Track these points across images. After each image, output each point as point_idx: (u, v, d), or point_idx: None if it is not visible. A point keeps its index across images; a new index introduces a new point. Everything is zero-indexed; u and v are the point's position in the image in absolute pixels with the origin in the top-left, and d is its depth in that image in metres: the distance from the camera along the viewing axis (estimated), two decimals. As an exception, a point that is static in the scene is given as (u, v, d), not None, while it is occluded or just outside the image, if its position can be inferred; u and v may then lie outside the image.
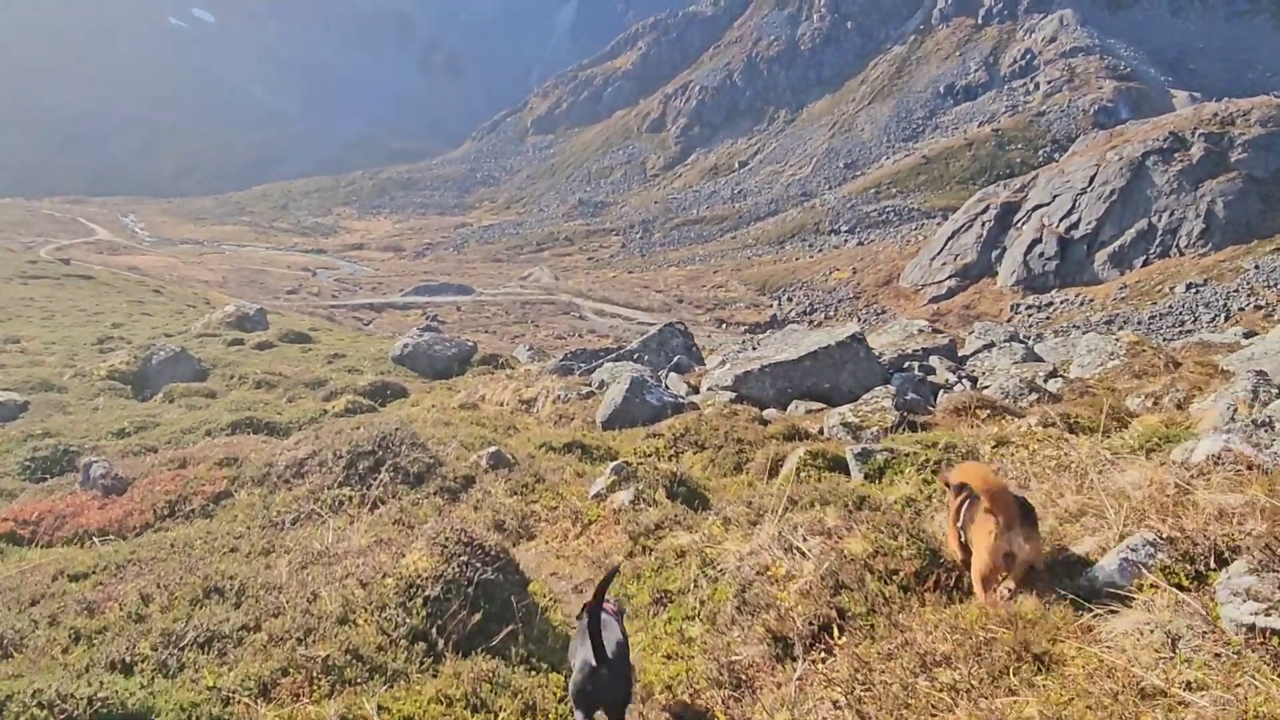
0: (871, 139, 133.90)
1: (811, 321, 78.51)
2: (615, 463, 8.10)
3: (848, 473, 7.19)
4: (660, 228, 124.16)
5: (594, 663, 4.07)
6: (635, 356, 16.07)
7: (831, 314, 78.53)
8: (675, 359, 15.56)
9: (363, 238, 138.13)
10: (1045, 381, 9.98)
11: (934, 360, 12.38)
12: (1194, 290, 60.80)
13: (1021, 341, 13.83)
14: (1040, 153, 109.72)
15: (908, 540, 4.89)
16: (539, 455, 9.84)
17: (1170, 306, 59.65)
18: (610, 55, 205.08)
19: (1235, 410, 6.14)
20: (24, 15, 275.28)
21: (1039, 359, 12.28)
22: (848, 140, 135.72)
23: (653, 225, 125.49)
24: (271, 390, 15.53)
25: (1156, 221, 68.82)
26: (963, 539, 4.42)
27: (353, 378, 15.81)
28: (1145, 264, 67.39)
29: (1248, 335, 13.10)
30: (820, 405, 10.56)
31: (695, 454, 8.97)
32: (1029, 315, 65.88)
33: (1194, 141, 71.67)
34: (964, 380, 11.05)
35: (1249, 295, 57.99)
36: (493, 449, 9.34)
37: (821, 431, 8.81)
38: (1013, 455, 6.08)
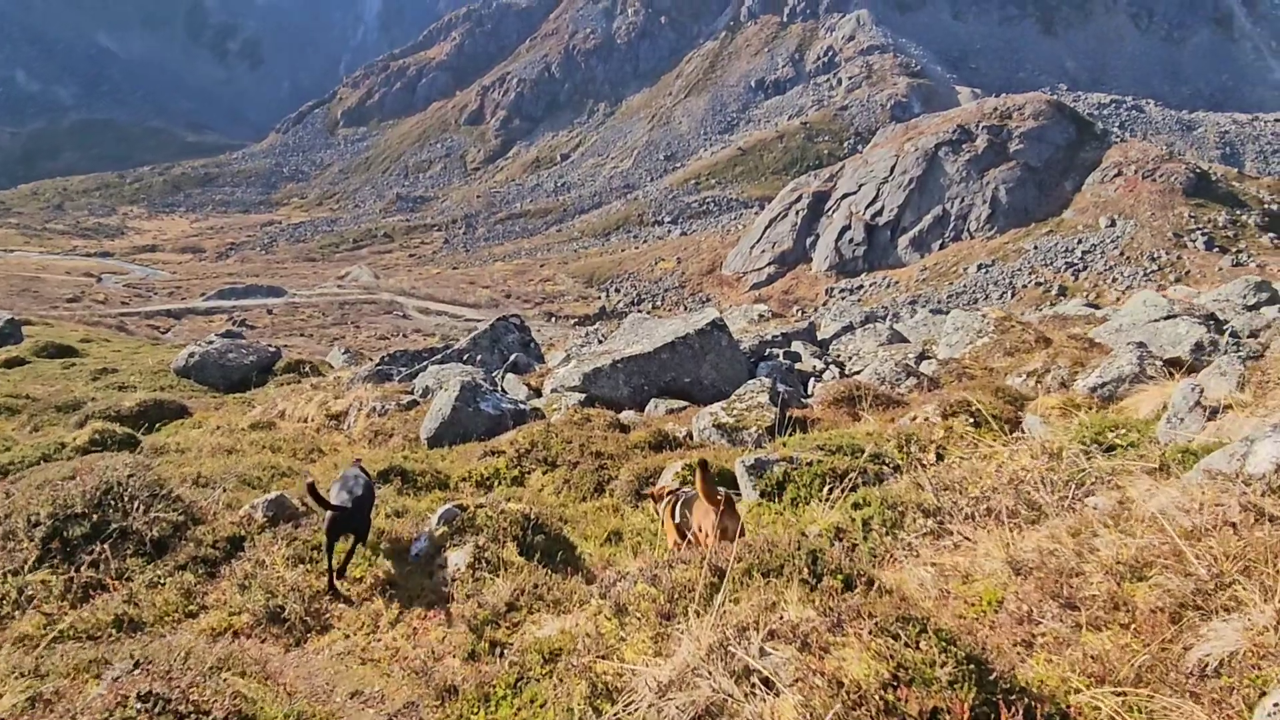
0: (689, 132, 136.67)
1: (640, 311, 78.91)
2: (445, 508, 6.14)
3: (735, 489, 6.00)
4: (484, 222, 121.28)
5: (347, 505, 5.70)
6: (465, 357, 13.99)
7: (659, 304, 79.24)
8: (512, 358, 13.76)
9: (155, 239, 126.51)
10: (918, 364, 9.44)
11: (797, 346, 11.55)
12: (984, 270, 65.78)
13: (881, 320, 13.32)
14: (845, 144, 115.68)
15: (939, 649, 2.93)
16: None
17: (965, 286, 64.29)
18: (423, 45, 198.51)
19: (1201, 393, 5.51)
20: None
21: (904, 339, 11.72)
22: (667, 133, 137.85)
23: (476, 220, 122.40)
24: (14, 418, 12.77)
25: (950, 208, 73.96)
26: (679, 526, 5.39)
27: (121, 396, 13.14)
28: (942, 247, 72.28)
29: (1090, 306, 13.31)
30: (683, 403, 9.55)
31: (546, 474, 7.50)
32: (842, 298, 68.97)
33: (978, 134, 77.56)
34: (831, 366, 10.39)
35: (1030, 274, 63.43)
36: (271, 496, 6.62)
37: (691, 436, 7.79)
38: (958, 467, 4.78)
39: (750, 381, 8.59)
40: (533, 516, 5.97)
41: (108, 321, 63.29)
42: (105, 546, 5.83)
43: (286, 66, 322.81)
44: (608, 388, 10.27)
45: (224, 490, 7.28)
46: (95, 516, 6.05)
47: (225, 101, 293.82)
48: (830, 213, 78.72)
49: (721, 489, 5.13)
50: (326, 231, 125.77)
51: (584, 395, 10.28)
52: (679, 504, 5.51)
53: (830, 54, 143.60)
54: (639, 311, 79.51)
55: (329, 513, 5.63)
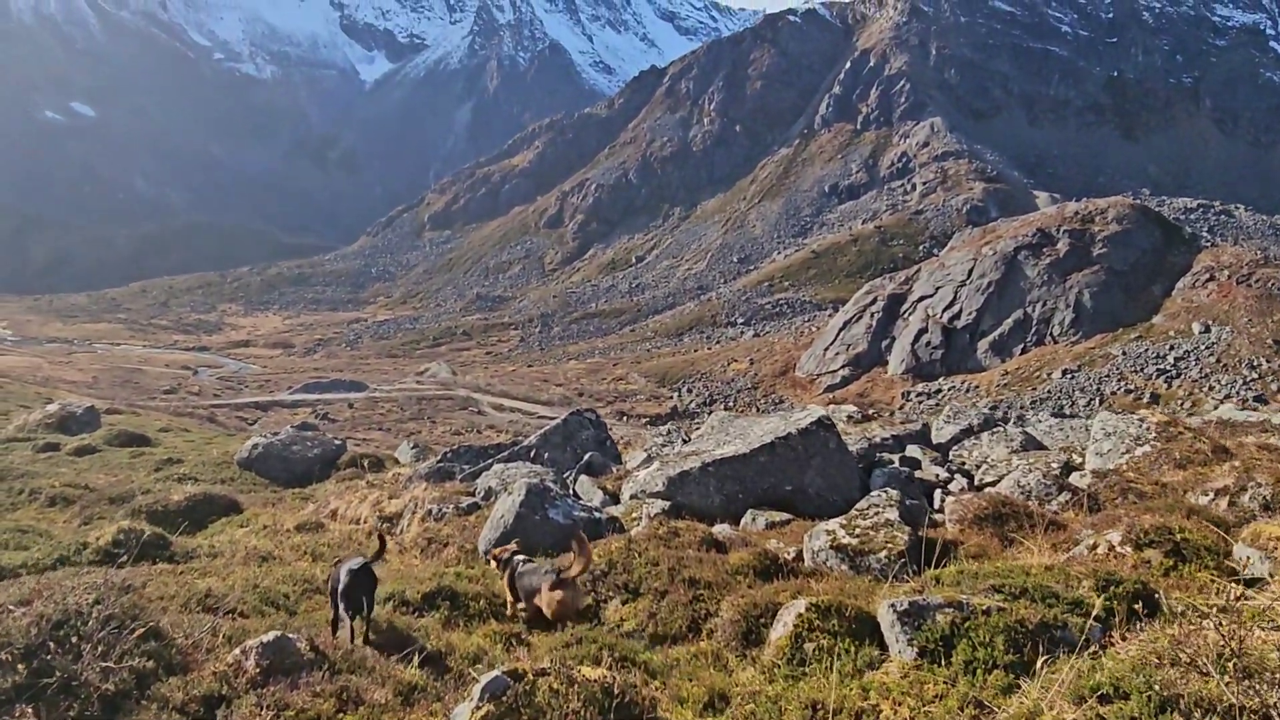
0: (763, 235, 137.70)
1: (712, 412, 77.73)
2: (492, 676, 4.28)
3: (878, 641, 4.49)
4: (559, 321, 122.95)
5: (355, 569, 6.28)
6: (534, 454, 12.80)
7: (731, 404, 78.10)
8: (586, 457, 12.20)
9: (249, 334, 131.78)
10: (1065, 475, 8.04)
11: (913, 451, 10.07)
12: (1069, 376, 63.01)
13: (1004, 422, 11.64)
14: (920, 248, 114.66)
15: None
16: (380, 616, 6.49)
17: (1049, 391, 61.58)
18: (508, 154, 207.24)
19: None
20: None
21: (1040, 446, 10.13)
22: (740, 236, 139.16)
23: (551, 319, 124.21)
24: (67, 508, 12.40)
25: (1031, 311, 71.75)
26: (516, 592, 6.21)
27: (173, 490, 12.55)
28: (1023, 351, 69.79)
29: (1260, 401, 11.43)
30: (786, 516, 8.17)
31: (626, 604, 6.17)
32: (920, 402, 66.83)
33: (1060, 237, 75.77)
34: (958, 475, 9.01)
35: (1119, 380, 60.41)
36: (269, 638, 4.99)
37: (802, 559, 6.42)
38: (1209, 628, 3.11)
39: (874, 494, 7.18)
40: (616, 691, 4.15)
41: (199, 413, 65.07)
42: (32, 709, 4.23)
43: (380, 173, 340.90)
44: (696, 495, 8.96)
45: (229, 617, 6.16)
46: (36, 661, 4.44)
47: (322, 206, 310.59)
48: (906, 315, 77.25)
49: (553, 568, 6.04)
50: (409, 329, 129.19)
51: (669, 503, 8.94)
52: (515, 570, 6.42)
53: (904, 160, 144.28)
54: (710, 413, 78.56)
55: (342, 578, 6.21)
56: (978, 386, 67.42)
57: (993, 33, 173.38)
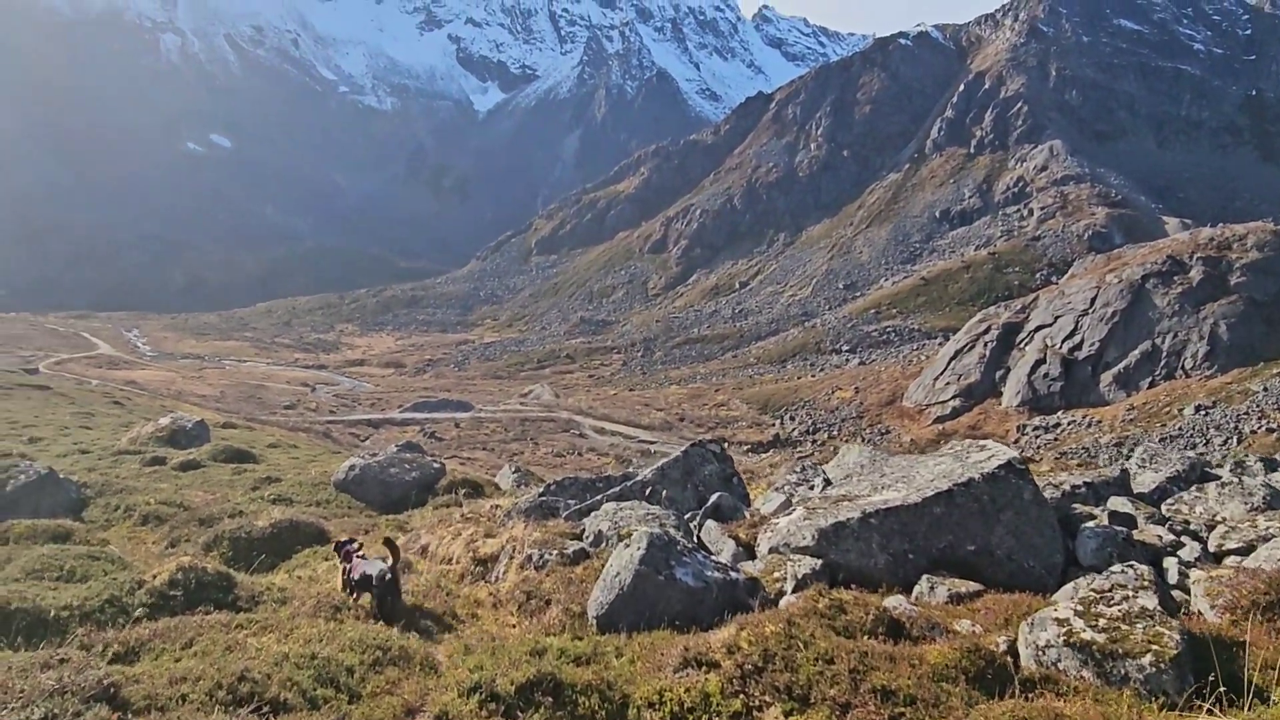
0: (870, 261, 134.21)
1: (815, 441, 75.41)
2: None
3: None
4: (661, 346, 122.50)
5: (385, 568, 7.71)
6: (649, 491, 10.84)
7: (835, 433, 75.78)
8: (714, 499, 10.12)
9: (364, 354, 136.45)
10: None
11: (1120, 504, 8.00)
12: (1203, 412, 58.07)
13: (1215, 466, 9.34)
14: (1037, 275, 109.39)
15: None
16: (463, 713, 5.12)
17: (1180, 429, 56.89)
18: (614, 180, 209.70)
19: None
20: (46, 134, 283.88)
21: None
22: (847, 262, 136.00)
23: (654, 344, 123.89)
24: (158, 527, 12.11)
25: (1160, 343, 66.86)
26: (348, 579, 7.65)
27: (262, 513, 12.09)
28: (1151, 385, 64.98)
29: None
30: (973, 586, 6.48)
31: (791, 716, 4.59)
32: (1036, 437, 63.06)
33: (1192, 265, 70.57)
34: (1186, 539, 7.20)
35: (1260, 418, 55.23)
36: None
37: (1014, 653, 4.76)
38: None
39: (1116, 569, 5.38)
40: None
41: (315, 428, 67.11)
42: None
43: (490, 200, 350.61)
44: (855, 553, 7.30)
45: (265, 718, 4.90)
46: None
47: (436, 231, 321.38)
48: (1022, 345, 73.33)
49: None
50: (514, 351, 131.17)
51: (819, 562, 7.22)
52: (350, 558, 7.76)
53: (1021, 184, 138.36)
54: (813, 441, 76.12)
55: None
56: (1100, 421, 63.20)
57: (1118, 52, 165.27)
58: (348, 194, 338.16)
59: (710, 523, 9.22)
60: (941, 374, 75.92)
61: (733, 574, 7.21)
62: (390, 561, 8.18)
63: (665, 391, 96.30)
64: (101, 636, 6.82)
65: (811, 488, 10.37)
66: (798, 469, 11.32)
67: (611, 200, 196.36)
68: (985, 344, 75.34)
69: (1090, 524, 6.88)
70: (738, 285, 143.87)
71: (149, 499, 13.84)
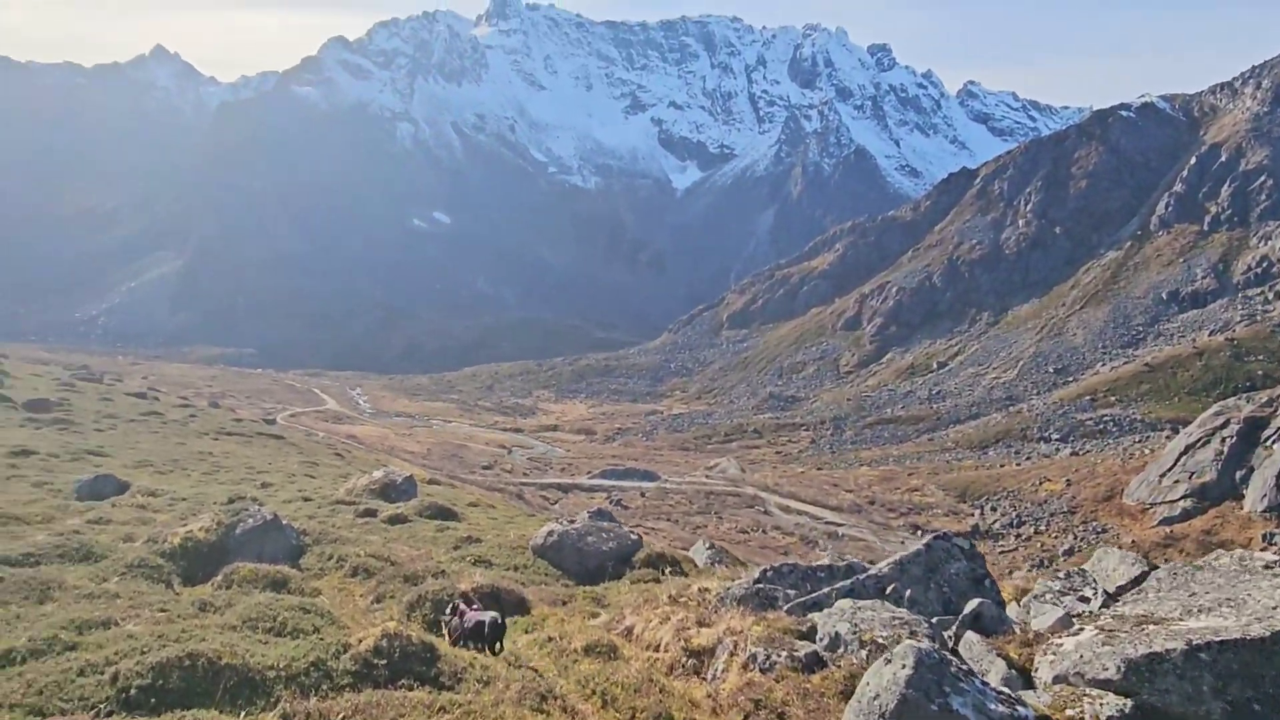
0: (1084, 344, 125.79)
1: (1019, 535, 71.02)
2: None
3: None
4: (852, 425, 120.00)
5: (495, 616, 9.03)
6: (887, 589, 9.70)
7: (1043, 528, 71.05)
8: (975, 606, 8.69)
9: (558, 419, 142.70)
10: None
11: None
12: None
13: None
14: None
15: None
16: None
17: None
18: (808, 256, 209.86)
19: None
20: (296, 210, 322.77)
21: None
22: (1058, 344, 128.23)
23: (844, 422, 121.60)
24: (368, 580, 12.85)
25: None
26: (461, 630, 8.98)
27: (464, 575, 12.67)
28: None
29: None
30: None
31: None
32: (1287, 548, 56.10)
33: None
34: None
35: None
36: None
37: None
38: None
39: None
40: None
41: (509, 489, 71.24)
42: None
43: (684, 274, 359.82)
44: (1178, 695, 5.91)
45: None
46: None
47: (631, 304, 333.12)
48: (1269, 443, 65.83)
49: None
50: (702, 424, 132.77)
51: (1129, 702, 6.10)
52: (464, 613, 9.31)
53: (1265, 264, 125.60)
54: (1017, 535, 71.62)
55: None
56: (1367, 535, 55.55)
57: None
58: (552, 267, 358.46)
59: (971, 635, 7.90)
60: (1169, 470, 69.55)
61: (1020, 710, 6.07)
62: (499, 613, 9.43)
63: (855, 472, 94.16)
64: (304, 705, 6.86)
65: (1084, 599, 9.06)
66: (1060, 575, 9.64)
67: (805, 276, 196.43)
68: (1223, 439, 68.41)
69: None
70: (935, 365, 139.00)
71: (359, 551, 14.37)
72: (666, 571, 14.91)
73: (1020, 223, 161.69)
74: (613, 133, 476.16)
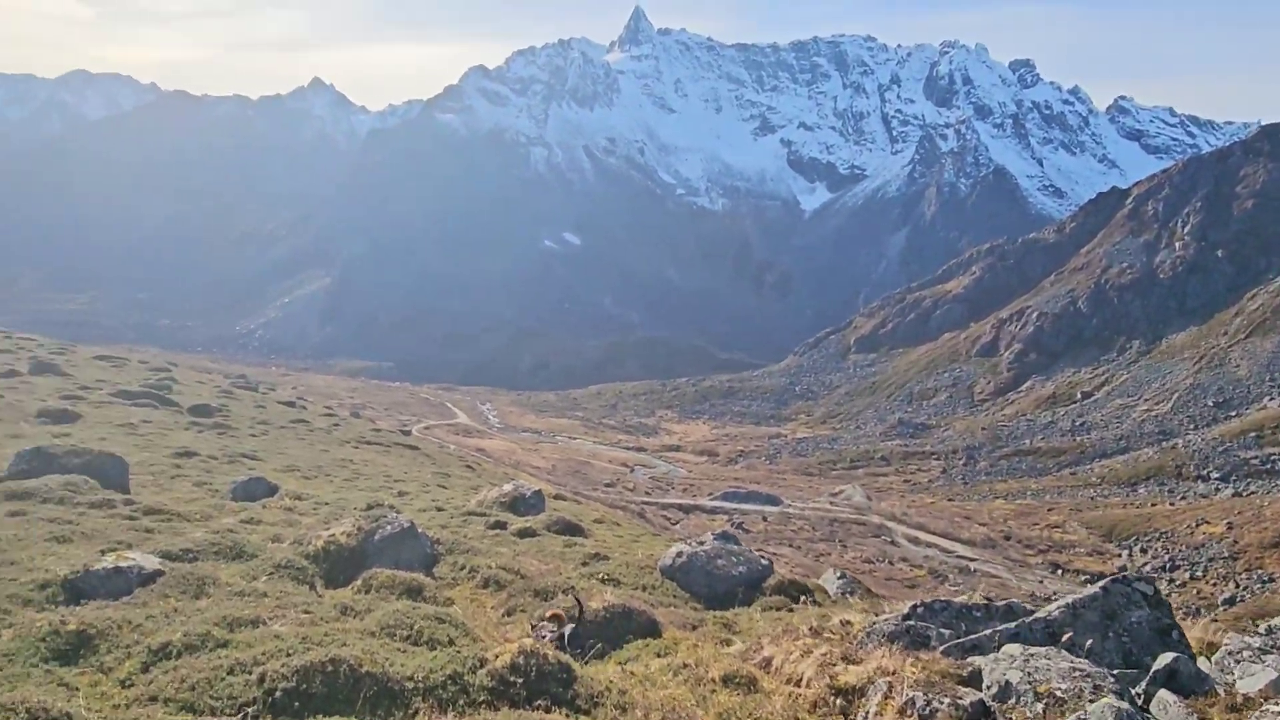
0: (1250, 377, 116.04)
1: (1172, 580, 65.94)
2: None
3: None
4: (986, 456, 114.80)
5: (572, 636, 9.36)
6: (1060, 636, 8.72)
7: (1200, 574, 65.72)
8: (1169, 662, 7.66)
9: (680, 439, 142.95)
10: None
11: None
12: None
13: None
14: None
15: None
16: None
17: None
18: (941, 279, 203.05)
19: None
20: (436, 231, 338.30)
21: None
22: (1218, 376, 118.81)
23: (978, 453, 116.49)
24: (499, 592, 13.02)
25: None
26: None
27: (598, 592, 12.42)
28: None
29: None
30: None
31: None
32: None
33: None
34: None
35: None
36: None
37: None
38: None
39: None
40: None
41: (631, 507, 71.73)
42: None
43: (811, 297, 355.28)
44: None
45: None
46: None
47: (755, 325, 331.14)
48: None
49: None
50: (826, 449, 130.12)
51: None
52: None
53: None
54: (1170, 580, 66.40)
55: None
56: None
57: None
58: (678, 288, 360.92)
59: (1165, 695, 7.13)
60: (1346, 517, 63.47)
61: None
62: (578, 615, 10.00)
63: (989, 505, 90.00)
64: None
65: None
66: (1261, 629, 8.47)
67: (938, 300, 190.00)
68: None
69: None
70: (1079, 395, 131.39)
71: (490, 562, 14.47)
72: (805, 601, 14.37)
73: (1177, 245, 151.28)
74: (741, 154, 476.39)
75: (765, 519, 75.07)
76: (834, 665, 8.29)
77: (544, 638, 9.26)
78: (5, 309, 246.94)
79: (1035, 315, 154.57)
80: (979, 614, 9.72)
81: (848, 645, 8.97)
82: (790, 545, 66.54)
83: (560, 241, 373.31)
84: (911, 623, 9.36)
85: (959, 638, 9.00)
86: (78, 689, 7.17)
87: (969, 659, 8.16)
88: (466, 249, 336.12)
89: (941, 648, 8.64)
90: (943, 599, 9.59)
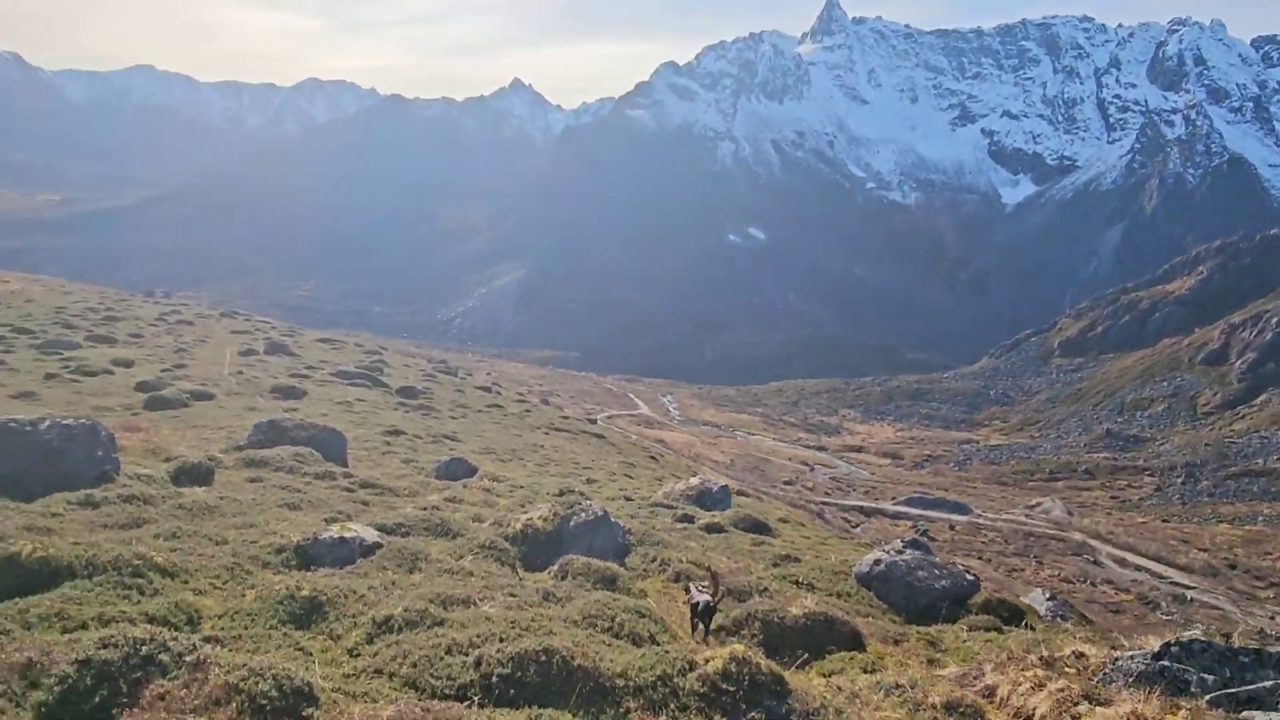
0: None
1: None
2: None
3: None
4: (1210, 475, 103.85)
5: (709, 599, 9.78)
6: None
7: None
8: None
9: (863, 441, 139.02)
10: None
11: None
12: None
13: None
14: None
15: None
16: None
17: None
18: (1162, 279, 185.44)
19: None
20: (621, 226, 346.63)
21: None
22: None
23: (1200, 470, 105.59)
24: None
25: None
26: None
27: (790, 599, 11.87)
28: None
29: None
30: None
31: None
32: None
33: None
34: None
35: None
36: None
37: None
38: None
39: None
40: None
41: (810, 507, 70.60)
42: None
43: (1009, 296, 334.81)
44: None
45: None
46: None
47: (946, 325, 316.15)
48: None
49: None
50: (1023, 458, 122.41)
51: None
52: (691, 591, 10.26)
53: None
54: None
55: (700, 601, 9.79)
56: None
57: None
58: (865, 284, 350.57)
59: None
60: None
61: None
62: (715, 593, 10.04)
63: (1211, 529, 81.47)
64: None
65: None
66: None
67: (1157, 301, 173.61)
68: None
69: None
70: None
71: (680, 556, 14.32)
72: (1025, 625, 13.38)
73: None
74: (937, 146, 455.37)
75: (953, 528, 71.77)
76: (1075, 704, 7.53)
77: (693, 602, 10.01)
78: (249, 294, 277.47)
79: (1275, 321, 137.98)
80: (1248, 659, 8.49)
81: (1086, 682, 8.18)
82: (979, 558, 63.18)
83: (744, 236, 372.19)
84: (1166, 663, 8.28)
85: (1224, 685, 7.94)
86: (311, 655, 7.63)
87: (1244, 713, 7.28)
88: (651, 243, 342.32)
89: (1208, 697, 7.62)
90: (1203, 638, 8.09)
